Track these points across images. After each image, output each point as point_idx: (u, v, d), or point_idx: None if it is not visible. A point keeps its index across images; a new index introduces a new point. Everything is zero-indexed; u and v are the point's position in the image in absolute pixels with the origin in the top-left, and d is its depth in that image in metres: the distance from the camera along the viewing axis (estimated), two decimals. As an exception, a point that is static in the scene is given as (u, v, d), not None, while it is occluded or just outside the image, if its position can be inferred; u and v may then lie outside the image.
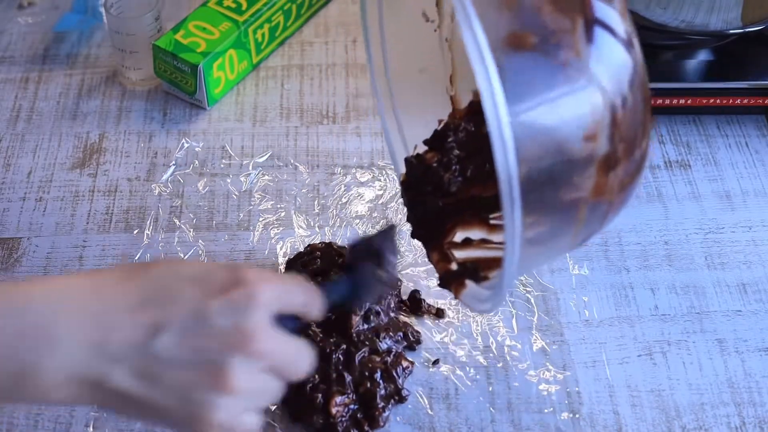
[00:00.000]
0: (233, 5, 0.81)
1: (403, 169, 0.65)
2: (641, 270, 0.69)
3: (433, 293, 0.66)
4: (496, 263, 0.58)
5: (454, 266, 0.60)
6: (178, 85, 0.79)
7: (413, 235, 0.63)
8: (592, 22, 0.46)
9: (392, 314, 0.64)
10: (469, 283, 0.58)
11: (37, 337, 0.42)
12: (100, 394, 0.43)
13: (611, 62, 0.46)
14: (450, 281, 0.59)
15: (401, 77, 0.66)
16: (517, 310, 0.66)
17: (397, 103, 0.66)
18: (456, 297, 0.58)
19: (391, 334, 0.63)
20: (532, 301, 0.66)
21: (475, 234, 0.61)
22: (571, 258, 0.69)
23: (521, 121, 0.43)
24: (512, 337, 0.64)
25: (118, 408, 0.45)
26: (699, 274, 0.69)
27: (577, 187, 0.47)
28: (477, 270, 0.57)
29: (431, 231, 0.62)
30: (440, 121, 0.64)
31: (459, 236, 0.61)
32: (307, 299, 0.48)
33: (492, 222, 0.61)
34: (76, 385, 0.43)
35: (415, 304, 0.66)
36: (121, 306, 0.44)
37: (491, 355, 0.63)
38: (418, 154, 0.64)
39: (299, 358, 0.47)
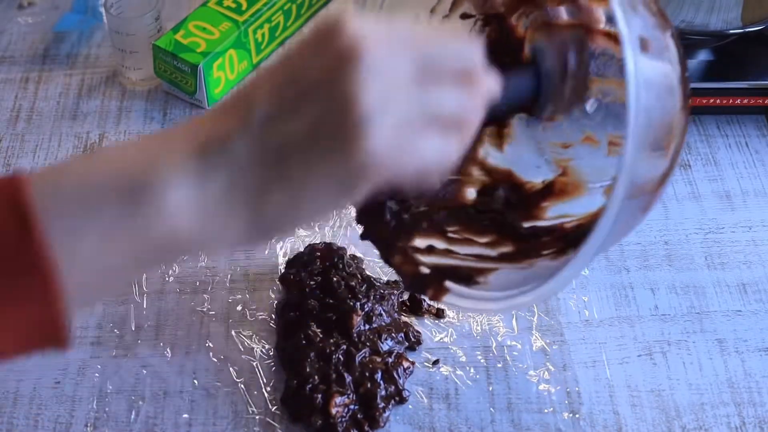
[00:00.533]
0: (233, 5, 0.81)
1: None
2: (641, 270, 0.69)
3: None
4: (485, 271, 0.57)
5: (425, 270, 0.58)
6: (178, 85, 0.79)
7: (363, 237, 0.60)
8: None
9: (394, 314, 0.64)
10: (455, 287, 0.56)
11: (148, 160, 0.37)
12: (230, 202, 0.37)
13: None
14: (426, 285, 0.57)
15: None
16: (517, 310, 0.66)
17: None
18: (434, 299, 0.57)
19: (393, 334, 0.63)
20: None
21: (437, 243, 0.60)
22: (571, 258, 0.69)
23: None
24: (512, 337, 0.64)
25: (265, 212, 0.38)
26: (699, 274, 0.69)
27: (650, 181, 0.47)
28: (470, 275, 0.56)
29: (387, 235, 0.60)
30: None
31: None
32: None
33: (450, 235, 0.60)
34: (202, 204, 0.37)
35: (415, 304, 0.66)
36: (209, 114, 0.39)
37: (491, 355, 0.63)
38: None
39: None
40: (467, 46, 0.40)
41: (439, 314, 0.66)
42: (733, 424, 0.60)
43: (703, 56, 0.79)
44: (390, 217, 0.59)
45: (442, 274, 0.57)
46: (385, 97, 0.36)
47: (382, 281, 0.66)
